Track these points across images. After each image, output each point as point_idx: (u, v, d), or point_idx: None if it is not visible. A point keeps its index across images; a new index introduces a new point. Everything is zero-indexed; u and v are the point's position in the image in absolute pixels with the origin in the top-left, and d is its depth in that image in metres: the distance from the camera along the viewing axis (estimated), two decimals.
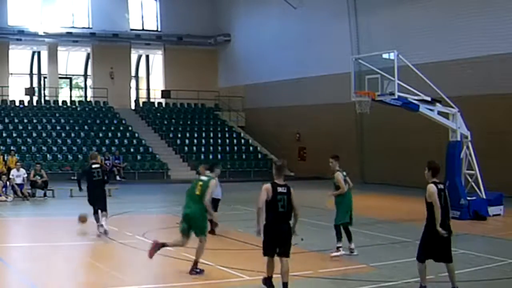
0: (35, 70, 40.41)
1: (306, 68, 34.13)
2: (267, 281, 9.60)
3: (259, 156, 36.44)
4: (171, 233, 16.06)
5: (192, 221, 10.87)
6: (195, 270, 10.82)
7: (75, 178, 30.30)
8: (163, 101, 41.09)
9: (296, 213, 9.48)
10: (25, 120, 34.57)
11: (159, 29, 41.34)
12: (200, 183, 11.13)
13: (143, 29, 41.10)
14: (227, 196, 25.68)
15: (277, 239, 9.34)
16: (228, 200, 23.68)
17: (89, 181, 14.84)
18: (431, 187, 9.58)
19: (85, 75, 41.78)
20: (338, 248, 12.31)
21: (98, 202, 14.77)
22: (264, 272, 9.71)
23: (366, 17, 30.89)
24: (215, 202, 13.78)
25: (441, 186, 9.64)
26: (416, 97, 18.14)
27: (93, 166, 14.88)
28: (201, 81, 40.50)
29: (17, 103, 36.59)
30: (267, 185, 9.42)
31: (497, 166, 22.94)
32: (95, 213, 14.80)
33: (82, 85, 42.74)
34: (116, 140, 34.67)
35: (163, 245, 11.10)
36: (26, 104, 36.81)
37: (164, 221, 17.90)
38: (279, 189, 9.35)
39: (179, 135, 36.83)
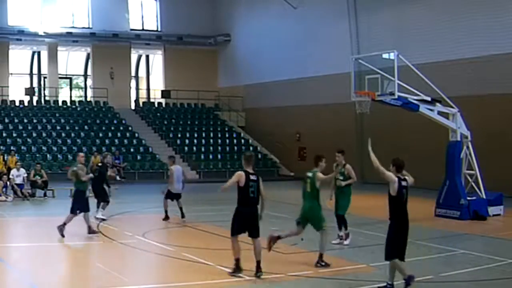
0: (35, 70, 40.42)
1: (306, 68, 34.13)
2: (236, 265, 10.42)
3: (259, 156, 36.42)
4: (172, 233, 16.12)
5: (310, 218, 11.53)
6: (321, 263, 11.27)
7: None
8: (163, 101, 41.09)
9: (264, 199, 10.53)
10: (25, 120, 34.57)
11: (159, 29, 41.35)
12: (308, 180, 11.51)
13: (143, 29, 41.10)
14: (227, 195, 25.75)
15: (246, 221, 10.37)
16: (228, 200, 23.72)
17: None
18: (390, 176, 9.87)
19: (85, 75, 41.78)
20: (347, 234, 13.71)
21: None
22: (265, 272, 9.75)
23: (366, 17, 30.89)
24: None
25: (404, 183, 9.82)
26: (416, 97, 18.13)
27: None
28: (201, 81, 40.49)
29: (17, 103, 36.60)
30: (241, 172, 10.39)
31: (497, 166, 22.94)
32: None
33: (82, 85, 42.75)
34: (116, 140, 34.67)
35: (278, 237, 11.59)
36: (26, 104, 36.82)
37: (164, 221, 17.88)
38: (251, 177, 10.39)
39: (179, 135, 36.83)
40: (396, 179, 9.70)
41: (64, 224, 14.02)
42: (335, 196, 13.67)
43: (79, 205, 14.30)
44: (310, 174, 11.57)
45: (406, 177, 9.88)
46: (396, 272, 11.06)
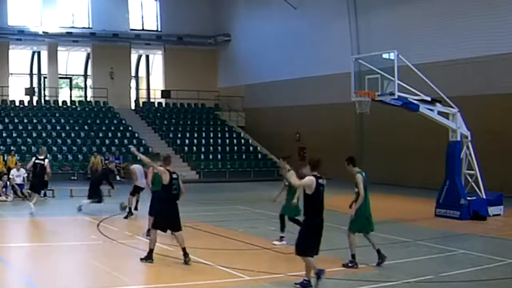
0: (35, 70, 40.41)
1: (306, 68, 34.12)
2: (149, 253, 11.51)
3: (259, 156, 36.43)
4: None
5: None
6: (350, 264, 11.39)
7: (75, 178, 30.53)
8: (163, 101, 41.08)
9: (182, 194, 11.70)
10: (25, 120, 34.54)
11: (159, 29, 41.33)
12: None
13: (143, 29, 41.09)
14: (227, 196, 25.76)
15: (169, 216, 11.37)
16: (228, 200, 23.72)
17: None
18: (311, 179, 9.83)
19: (85, 75, 41.77)
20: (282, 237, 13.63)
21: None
22: (265, 272, 9.76)
23: (366, 17, 30.88)
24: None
25: (321, 181, 9.92)
26: (416, 97, 18.13)
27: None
28: (201, 81, 40.50)
29: (17, 103, 36.60)
30: (166, 171, 11.36)
31: (497, 166, 22.94)
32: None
33: (82, 85, 42.75)
34: (116, 140, 34.65)
35: None
36: (26, 104, 36.81)
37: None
38: (173, 175, 11.38)
39: (179, 135, 36.81)
40: (314, 179, 9.80)
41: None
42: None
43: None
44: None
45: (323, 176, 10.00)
46: (397, 272, 11.08)
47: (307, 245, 9.78)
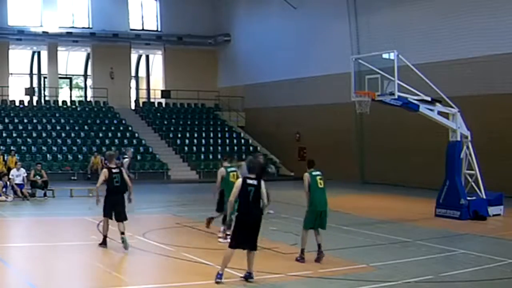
0: (35, 70, 40.41)
1: (306, 68, 34.12)
2: (103, 240, 13.14)
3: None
4: (172, 233, 16.10)
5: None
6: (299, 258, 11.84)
7: (75, 178, 30.55)
8: (163, 101, 41.08)
9: (130, 185, 13.26)
10: (25, 120, 34.55)
11: (159, 29, 41.33)
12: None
13: (143, 29, 41.08)
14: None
15: (114, 206, 12.98)
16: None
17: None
18: (236, 184, 10.53)
19: (85, 75, 41.77)
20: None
21: None
22: (265, 272, 9.78)
23: (366, 17, 30.87)
24: None
25: (250, 181, 10.38)
26: (416, 97, 18.12)
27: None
28: (201, 81, 40.49)
29: (17, 103, 36.60)
30: (104, 169, 13.22)
31: (497, 166, 22.94)
32: None
33: (82, 85, 42.75)
34: (116, 140, 34.66)
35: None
36: (26, 104, 36.81)
37: (164, 221, 17.90)
38: (113, 170, 13.07)
39: (179, 135, 36.81)
40: (240, 181, 10.49)
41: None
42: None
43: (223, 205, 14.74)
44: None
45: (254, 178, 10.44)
46: (397, 272, 11.09)
47: (236, 239, 10.26)
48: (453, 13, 26.10)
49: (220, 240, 13.83)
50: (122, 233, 12.81)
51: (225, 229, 13.80)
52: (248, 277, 10.21)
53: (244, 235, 10.23)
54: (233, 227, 10.53)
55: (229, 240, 11.46)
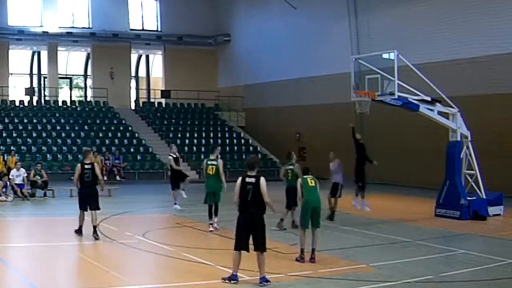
0: (35, 70, 40.41)
1: (306, 68, 34.11)
2: (79, 229, 14.40)
3: (259, 156, 36.39)
4: (172, 233, 16.12)
5: None
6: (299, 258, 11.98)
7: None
8: (163, 101, 41.08)
9: (100, 179, 14.50)
10: (25, 120, 34.54)
11: (159, 29, 41.32)
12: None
13: (143, 29, 41.07)
14: (227, 196, 25.74)
15: (87, 198, 14.19)
16: (228, 200, 23.70)
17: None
18: (237, 183, 10.53)
19: (85, 75, 41.77)
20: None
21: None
22: (265, 272, 9.85)
23: (366, 17, 30.86)
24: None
25: (248, 179, 10.39)
26: (416, 97, 18.12)
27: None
28: (201, 81, 40.49)
29: (17, 103, 36.59)
30: (78, 165, 14.38)
31: (497, 166, 22.93)
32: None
33: (82, 85, 42.75)
34: (116, 140, 34.65)
35: None
36: (26, 104, 36.81)
37: (164, 221, 17.91)
38: (86, 166, 14.21)
39: (179, 135, 36.80)
40: (239, 179, 10.46)
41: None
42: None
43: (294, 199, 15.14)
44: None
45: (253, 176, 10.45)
46: (397, 272, 11.09)
47: (238, 240, 10.23)
48: (453, 13, 26.09)
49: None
50: (95, 226, 14.09)
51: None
52: (262, 281, 10.04)
53: (246, 236, 10.18)
54: (236, 228, 10.46)
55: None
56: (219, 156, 16.31)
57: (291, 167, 15.74)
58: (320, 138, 32.85)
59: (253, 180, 10.33)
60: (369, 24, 30.60)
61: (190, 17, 40.49)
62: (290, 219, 15.69)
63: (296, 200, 13.56)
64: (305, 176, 12.49)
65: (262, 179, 10.37)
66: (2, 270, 11.20)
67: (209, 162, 15.88)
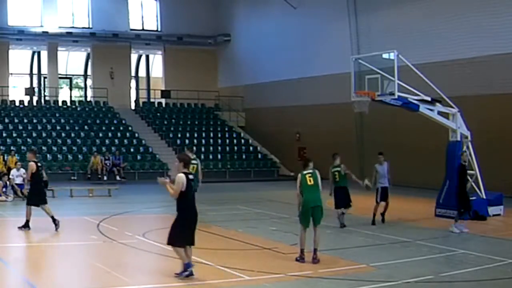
0: (35, 70, 40.41)
1: (306, 68, 34.11)
2: (26, 223, 15.26)
3: (259, 156, 36.43)
4: None
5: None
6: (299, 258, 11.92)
7: (75, 178, 30.54)
8: (163, 101, 41.09)
9: (44, 175, 16.24)
10: (25, 120, 34.55)
11: (159, 29, 41.33)
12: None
13: (143, 29, 41.08)
14: (227, 196, 25.76)
15: (40, 193, 15.52)
16: (228, 200, 23.72)
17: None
18: (181, 177, 10.42)
19: (85, 75, 41.77)
20: None
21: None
22: (265, 272, 9.87)
23: (366, 17, 30.87)
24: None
25: (191, 176, 10.61)
26: (416, 97, 18.13)
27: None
28: (201, 81, 40.51)
29: (17, 103, 36.59)
30: (32, 163, 15.50)
31: (497, 166, 22.93)
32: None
33: (82, 85, 42.75)
34: (116, 140, 34.66)
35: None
36: (26, 104, 36.81)
37: (164, 221, 17.86)
38: (39, 164, 15.72)
39: (179, 135, 36.80)
40: (183, 176, 10.41)
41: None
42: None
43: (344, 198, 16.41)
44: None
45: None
46: (397, 272, 11.09)
47: (179, 237, 10.46)
48: (453, 13, 26.09)
49: None
50: (52, 216, 15.25)
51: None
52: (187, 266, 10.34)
53: (191, 232, 10.45)
54: (179, 226, 10.55)
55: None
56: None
57: (338, 168, 16.35)
58: (320, 138, 32.84)
59: (191, 176, 10.70)
60: (369, 24, 30.60)
61: (190, 17, 40.51)
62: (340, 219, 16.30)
63: (346, 200, 15.25)
64: (304, 172, 12.17)
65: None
66: (2, 270, 11.20)
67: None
